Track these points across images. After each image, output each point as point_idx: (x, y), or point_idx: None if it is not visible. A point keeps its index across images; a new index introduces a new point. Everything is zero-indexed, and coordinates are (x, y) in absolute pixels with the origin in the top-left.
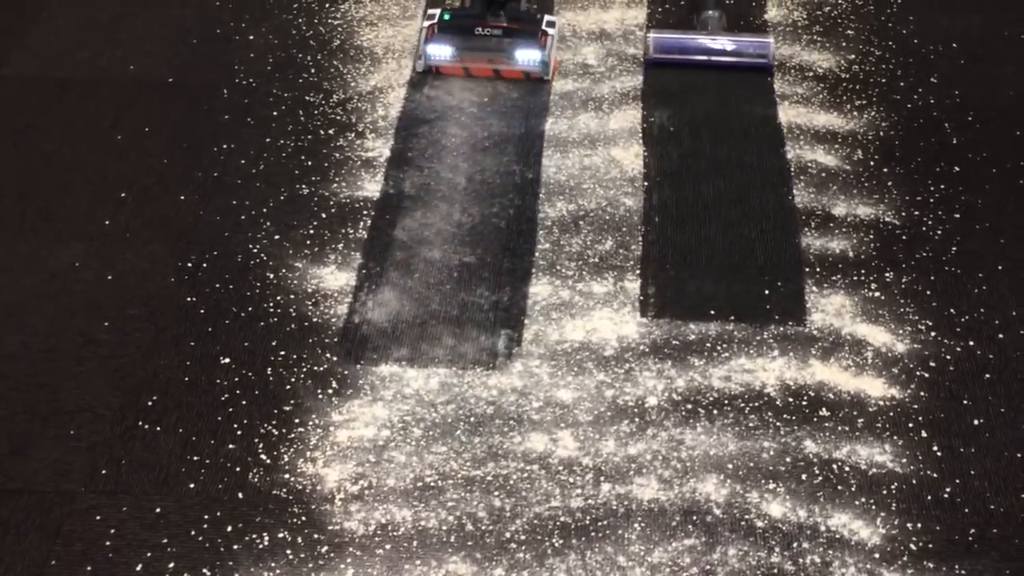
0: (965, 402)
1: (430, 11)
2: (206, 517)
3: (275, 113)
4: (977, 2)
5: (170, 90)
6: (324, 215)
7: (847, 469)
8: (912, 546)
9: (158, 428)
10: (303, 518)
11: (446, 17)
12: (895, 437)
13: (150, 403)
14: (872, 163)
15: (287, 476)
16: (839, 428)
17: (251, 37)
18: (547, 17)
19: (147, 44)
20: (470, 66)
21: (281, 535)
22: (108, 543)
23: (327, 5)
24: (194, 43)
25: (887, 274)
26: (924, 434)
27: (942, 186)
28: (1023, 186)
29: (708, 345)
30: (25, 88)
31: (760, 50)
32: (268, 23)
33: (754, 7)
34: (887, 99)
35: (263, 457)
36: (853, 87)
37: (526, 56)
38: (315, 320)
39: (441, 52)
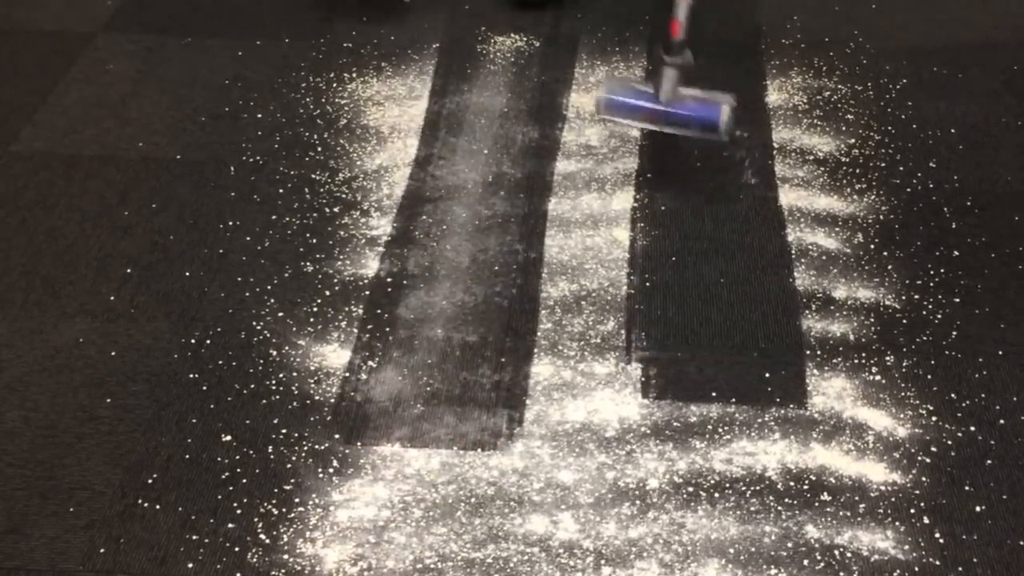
0: (967, 488)
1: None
2: None
3: (281, 191)
4: (973, 89)
5: (177, 167)
6: (328, 293)
7: (849, 555)
8: None
9: (157, 506)
10: None
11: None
12: (897, 523)
13: (150, 481)
14: (872, 246)
15: (286, 556)
16: (840, 513)
17: (259, 115)
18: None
19: (155, 122)
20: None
21: None
22: None
23: (334, 84)
24: (202, 121)
25: (888, 358)
26: (926, 520)
27: (942, 270)
28: (1022, 271)
29: (709, 427)
30: (33, 164)
31: (709, 116)
32: (276, 102)
33: (755, 92)
34: (887, 183)
35: (262, 537)
36: (853, 171)
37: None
38: (317, 398)
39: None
